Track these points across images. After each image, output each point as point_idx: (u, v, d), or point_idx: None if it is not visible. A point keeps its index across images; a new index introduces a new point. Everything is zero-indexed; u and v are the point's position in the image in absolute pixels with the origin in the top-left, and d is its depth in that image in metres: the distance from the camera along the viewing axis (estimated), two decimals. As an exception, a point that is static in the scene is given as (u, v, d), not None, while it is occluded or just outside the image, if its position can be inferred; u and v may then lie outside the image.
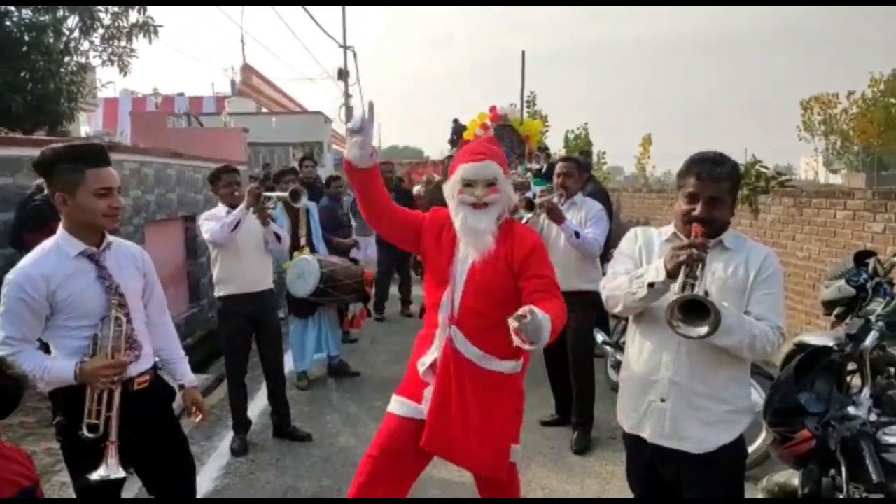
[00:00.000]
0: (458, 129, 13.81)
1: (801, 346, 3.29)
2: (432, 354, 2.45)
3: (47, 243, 2.19)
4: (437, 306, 2.44)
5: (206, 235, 3.94)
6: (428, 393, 2.43)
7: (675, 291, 1.91)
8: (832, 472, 2.34)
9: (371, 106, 2.27)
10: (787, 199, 6.18)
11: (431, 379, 2.44)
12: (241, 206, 3.81)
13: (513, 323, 1.97)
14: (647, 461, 2.22)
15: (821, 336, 3.37)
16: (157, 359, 2.45)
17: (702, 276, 1.90)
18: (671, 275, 1.94)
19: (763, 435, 3.25)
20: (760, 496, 3.08)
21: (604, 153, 17.56)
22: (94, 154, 2.18)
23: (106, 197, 2.15)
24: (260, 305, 4.12)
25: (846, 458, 2.27)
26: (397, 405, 2.51)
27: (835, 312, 3.56)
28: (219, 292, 4.10)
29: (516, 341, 2.01)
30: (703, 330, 1.84)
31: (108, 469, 2.04)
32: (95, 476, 2.03)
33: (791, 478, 2.84)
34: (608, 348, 5.01)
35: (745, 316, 2.00)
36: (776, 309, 2.06)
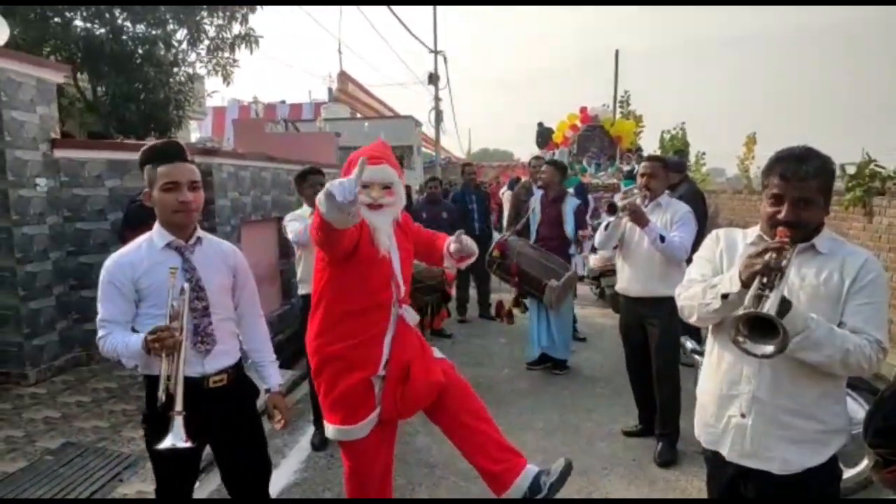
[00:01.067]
0: (542, 132, 13.66)
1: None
2: (384, 358, 2.49)
3: (144, 236, 2.31)
4: (382, 306, 2.48)
5: (290, 236, 4.04)
6: (378, 394, 2.51)
7: (744, 305, 1.73)
8: (944, 503, 2.10)
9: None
10: (906, 202, 5.66)
11: (381, 382, 2.50)
12: None
13: (454, 246, 2.63)
14: (730, 479, 2.07)
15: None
16: (243, 358, 2.47)
17: (779, 285, 1.70)
18: (746, 285, 1.78)
19: (867, 458, 2.97)
20: (862, 524, 2.82)
21: (703, 154, 16.75)
22: (165, 151, 2.24)
23: (173, 191, 2.20)
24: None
25: (960, 489, 2.02)
26: (356, 431, 2.51)
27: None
28: (301, 291, 4.22)
29: (451, 263, 2.66)
30: (769, 349, 1.66)
31: (175, 438, 2.02)
32: (163, 445, 2.01)
33: (897, 506, 2.58)
34: (698, 357, 4.75)
35: (838, 329, 1.81)
36: (876, 321, 1.84)
